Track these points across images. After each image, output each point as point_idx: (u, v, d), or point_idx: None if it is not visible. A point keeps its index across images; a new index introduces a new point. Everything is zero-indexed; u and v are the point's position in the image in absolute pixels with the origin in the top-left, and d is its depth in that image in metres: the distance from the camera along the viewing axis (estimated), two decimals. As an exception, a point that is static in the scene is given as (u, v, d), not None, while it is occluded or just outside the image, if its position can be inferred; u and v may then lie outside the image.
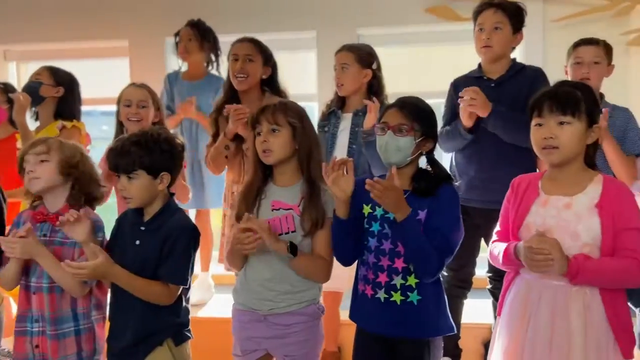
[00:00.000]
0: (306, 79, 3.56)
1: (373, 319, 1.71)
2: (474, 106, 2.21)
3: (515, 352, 1.61)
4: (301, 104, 1.89)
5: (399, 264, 1.67)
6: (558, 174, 1.64)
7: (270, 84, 2.57)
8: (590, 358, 1.51)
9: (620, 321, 1.55)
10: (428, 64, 3.81)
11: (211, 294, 3.22)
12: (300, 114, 1.78)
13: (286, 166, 1.79)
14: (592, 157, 1.64)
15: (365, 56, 2.47)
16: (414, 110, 1.69)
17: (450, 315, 1.74)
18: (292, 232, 1.74)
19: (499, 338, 1.69)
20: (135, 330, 1.74)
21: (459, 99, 2.24)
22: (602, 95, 2.43)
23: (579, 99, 1.56)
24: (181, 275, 1.74)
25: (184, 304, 1.82)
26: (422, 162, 1.76)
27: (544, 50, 3.26)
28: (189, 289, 1.83)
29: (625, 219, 1.52)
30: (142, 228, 1.79)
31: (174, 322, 1.78)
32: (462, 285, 2.44)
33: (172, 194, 1.87)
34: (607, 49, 2.43)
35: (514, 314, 1.65)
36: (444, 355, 2.48)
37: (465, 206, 2.35)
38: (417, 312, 1.66)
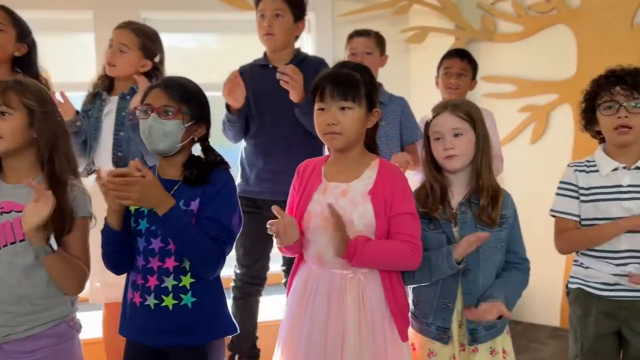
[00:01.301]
0: (82, 64, 3.15)
1: (142, 330, 1.50)
2: (294, 86, 2.09)
3: (292, 342, 1.54)
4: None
5: (170, 263, 1.48)
6: (340, 159, 1.59)
7: (25, 65, 2.18)
8: (364, 343, 1.49)
9: (398, 304, 1.55)
10: (220, 53, 3.67)
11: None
12: (41, 97, 1.50)
13: (20, 159, 1.49)
14: (372, 140, 1.63)
15: (150, 46, 2.25)
16: (181, 91, 1.51)
17: (233, 314, 1.61)
18: (21, 241, 1.45)
19: (281, 327, 1.61)
20: None
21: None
22: (380, 84, 2.51)
23: (359, 83, 1.53)
24: None
25: None
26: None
27: (334, 44, 3.33)
28: None
29: (397, 204, 1.51)
30: None
31: None
32: (256, 282, 2.33)
33: None
34: (379, 40, 2.52)
35: (295, 303, 1.58)
36: (241, 357, 2.37)
37: (256, 199, 2.29)
38: (192, 316, 1.48)
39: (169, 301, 1.47)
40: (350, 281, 1.52)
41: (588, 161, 1.81)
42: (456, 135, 1.59)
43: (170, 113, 1.47)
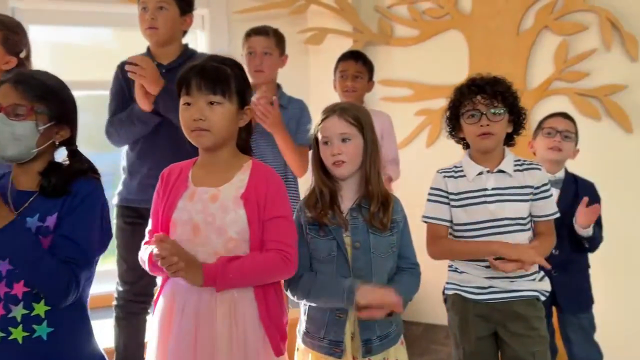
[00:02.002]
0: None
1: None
2: (144, 77, 1.93)
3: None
4: None
5: (19, 289, 1.27)
6: (209, 160, 1.48)
7: None
8: None
9: (272, 317, 1.46)
10: (112, 49, 3.40)
11: None
12: None
13: None
14: (245, 141, 1.54)
15: (14, 40, 2.00)
16: (36, 87, 1.32)
17: (115, 335, 1.45)
18: None
19: (148, 353, 1.47)
20: None
21: (127, 67, 1.94)
22: (279, 86, 2.42)
23: (229, 77, 1.43)
24: None
25: None
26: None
27: (230, 42, 3.18)
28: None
29: (270, 208, 1.42)
30: None
31: None
32: (141, 299, 2.13)
33: None
34: (279, 39, 2.40)
35: (160, 324, 1.44)
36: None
37: (138, 208, 2.09)
38: (47, 350, 1.29)
39: (18, 333, 1.27)
40: (220, 297, 1.40)
41: (456, 167, 1.85)
42: (344, 140, 1.54)
43: (20, 113, 1.28)
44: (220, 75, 1.40)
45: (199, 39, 3.28)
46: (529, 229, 1.80)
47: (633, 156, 2.87)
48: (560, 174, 2.27)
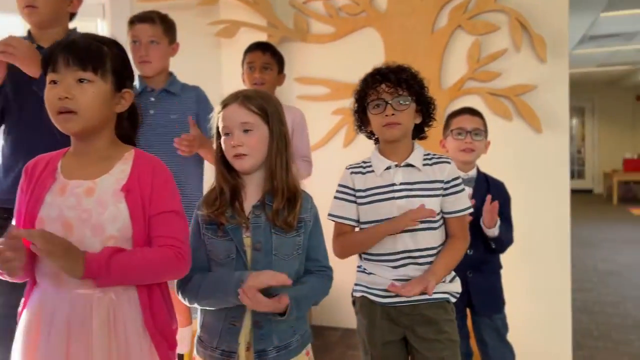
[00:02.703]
0: None
1: None
2: (16, 57, 1.71)
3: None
4: None
5: None
6: (82, 149, 1.29)
7: None
8: None
9: (159, 323, 1.29)
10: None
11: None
12: None
13: None
14: (128, 132, 1.38)
15: None
16: None
17: None
18: None
19: None
20: None
21: None
22: (171, 74, 2.25)
23: (104, 54, 1.26)
24: None
25: None
26: None
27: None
28: None
29: (157, 201, 1.27)
30: None
31: None
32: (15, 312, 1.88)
33: None
34: (167, 26, 2.20)
35: (25, 339, 1.24)
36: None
37: (13, 209, 1.86)
38: None
39: None
40: (98, 302, 1.22)
41: (364, 162, 1.76)
42: (246, 131, 1.39)
43: None
44: (92, 51, 1.24)
45: (100, 28, 3.04)
46: (440, 227, 1.72)
47: (543, 156, 2.91)
48: (473, 172, 2.23)
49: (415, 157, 1.70)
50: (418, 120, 1.72)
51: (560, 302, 2.92)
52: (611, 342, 3.51)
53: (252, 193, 1.44)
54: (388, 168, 1.70)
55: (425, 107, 1.71)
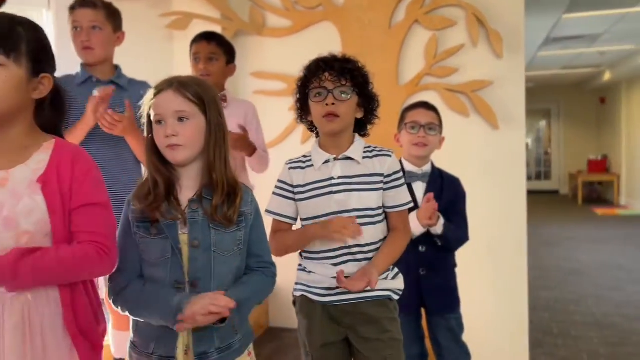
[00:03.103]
0: None
1: None
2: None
3: None
4: None
5: None
6: None
7: None
8: None
9: (82, 324, 1.20)
10: None
11: None
12: None
13: None
14: (51, 120, 1.28)
15: None
16: None
17: None
18: None
19: None
20: None
21: None
22: (117, 67, 2.17)
23: (19, 35, 1.16)
24: None
25: None
26: None
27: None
28: None
29: (79, 193, 1.18)
30: None
31: None
32: None
33: None
34: (111, 12, 2.11)
35: None
36: None
37: None
38: None
39: None
40: (11, 303, 1.13)
41: (304, 156, 1.69)
42: (181, 119, 1.30)
43: None
44: (4, 33, 1.14)
45: (45, 19, 2.90)
46: (381, 221, 1.65)
47: (500, 153, 2.88)
48: (427, 168, 2.18)
49: (355, 150, 1.64)
50: (359, 115, 1.66)
51: (518, 300, 2.90)
52: (571, 339, 3.53)
53: (187, 187, 1.36)
54: (326, 162, 1.63)
55: (367, 102, 1.65)
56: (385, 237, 1.67)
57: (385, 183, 1.64)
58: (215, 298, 1.24)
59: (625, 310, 4.11)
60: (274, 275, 1.45)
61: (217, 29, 3.05)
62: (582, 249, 6.57)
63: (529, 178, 12.98)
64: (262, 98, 3.13)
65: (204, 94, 1.34)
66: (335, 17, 3.06)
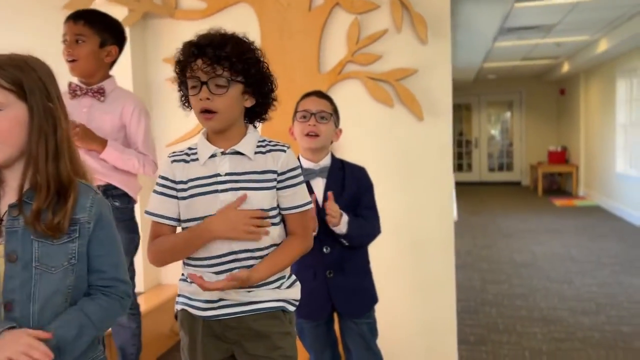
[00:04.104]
0: None
1: None
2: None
3: None
4: None
5: None
6: None
7: None
8: None
9: None
10: None
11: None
12: None
13: None
14: None
15: None
16: None
17: None
18: None
19: None
20: None
21: None
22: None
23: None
24: None
25: None
26: None
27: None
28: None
29: None
30: None
31: None
32: None
33: None
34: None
35: None
36: None
37: None
38: None
39: None
40: None
41: (190, 149, 1.47)
42: None
43: None
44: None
45: None
46: (275, 224, 1.46)
47: (425, 145, 2.71)
48: (325, 161, 2.00)
49: (246, 144, 1.43)
50: (248, 104, 1.44)
51: (444, 299, 2.75)
52: (515, 335, 3.44)
53: (11, 190, 1.15)
54: (213, 156, 1.42)
55: (257, 87, 1.43)
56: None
57: (280, 181, 1.44)
58: (30, 345, 1.03)
59: (573, 304, 4.05)
60: (124, 295, 1.23)
61: (122, 11, 2.81)
62: (537, 240, 6.53)
63: (491, 169, 12.99)
64: (175, 86, 2.89)
65: (23, 77, 1.12)
66: (253, -2, 2.83)
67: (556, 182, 11.38)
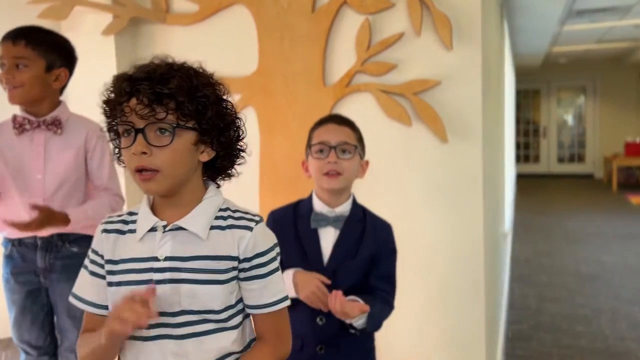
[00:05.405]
0: None
1: None
2: None
3: None
4: None
5: None
6: None
7: None
8: None
9: None
10: None
11: None
12: None
13: None
14: None
15: None
16: None
17: None
18: None
19: None
20: None
21: None
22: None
23: None
24: None
25: None
26: None
27: None
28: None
29: None
30: None
31: None
32: None
33: None
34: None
35: None
36: None
37: None
38: None
39: None
40: None
41: (131, 213, 1.10)
42: None
43: None
44: None
45: None
46: (233, 327, 1.07)
47: (450, 172, 2.24)
48: (344, 208, 1.59)
49: (197, 216, 1.05)
50: (206, 157, 1.06)
51: (475, 355, 2.29)
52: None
53: None
54: (153, 229, 1.06)
55: (216, 135, 1.04)
56: (244, 348, 1.10)
57: (242, 270, 1.06)
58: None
59: (644, 333, 3.48)
60: None
61: (106, 17, 2.51)
62: (607, 247, 5.83)
63: (560, 160, 12.06)
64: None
65: None
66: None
67: (634, 176, 10.36)
